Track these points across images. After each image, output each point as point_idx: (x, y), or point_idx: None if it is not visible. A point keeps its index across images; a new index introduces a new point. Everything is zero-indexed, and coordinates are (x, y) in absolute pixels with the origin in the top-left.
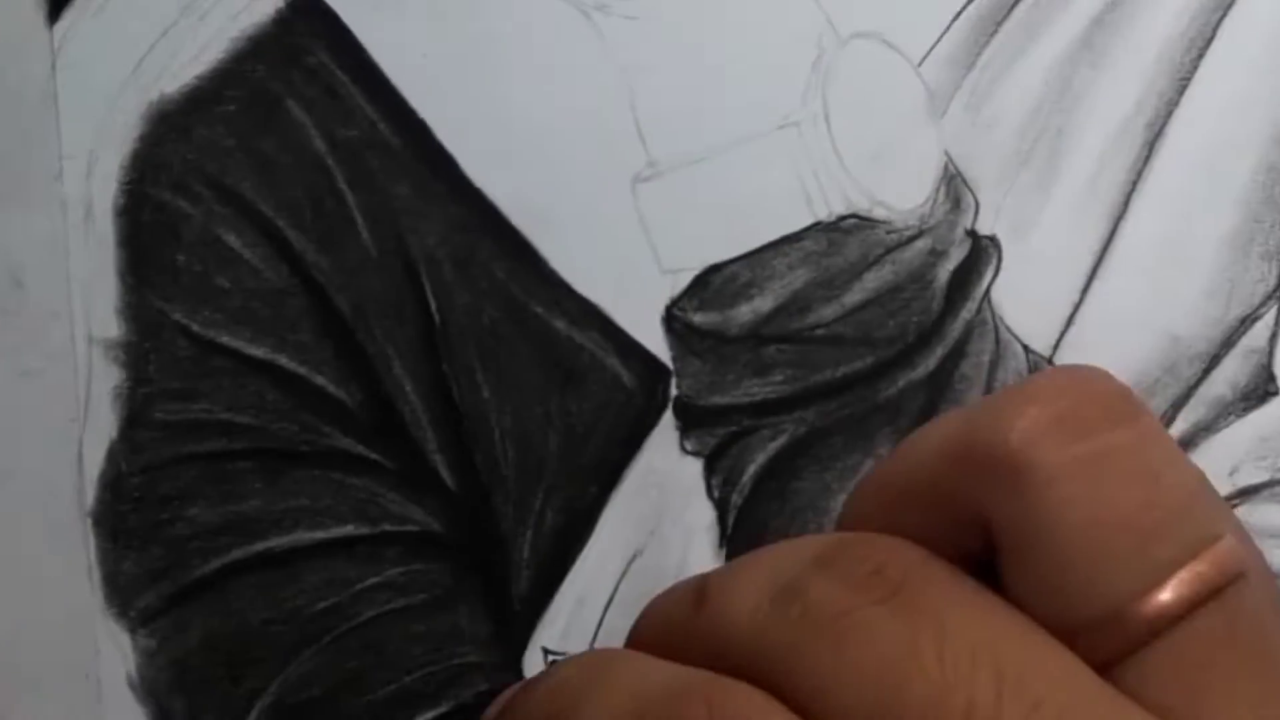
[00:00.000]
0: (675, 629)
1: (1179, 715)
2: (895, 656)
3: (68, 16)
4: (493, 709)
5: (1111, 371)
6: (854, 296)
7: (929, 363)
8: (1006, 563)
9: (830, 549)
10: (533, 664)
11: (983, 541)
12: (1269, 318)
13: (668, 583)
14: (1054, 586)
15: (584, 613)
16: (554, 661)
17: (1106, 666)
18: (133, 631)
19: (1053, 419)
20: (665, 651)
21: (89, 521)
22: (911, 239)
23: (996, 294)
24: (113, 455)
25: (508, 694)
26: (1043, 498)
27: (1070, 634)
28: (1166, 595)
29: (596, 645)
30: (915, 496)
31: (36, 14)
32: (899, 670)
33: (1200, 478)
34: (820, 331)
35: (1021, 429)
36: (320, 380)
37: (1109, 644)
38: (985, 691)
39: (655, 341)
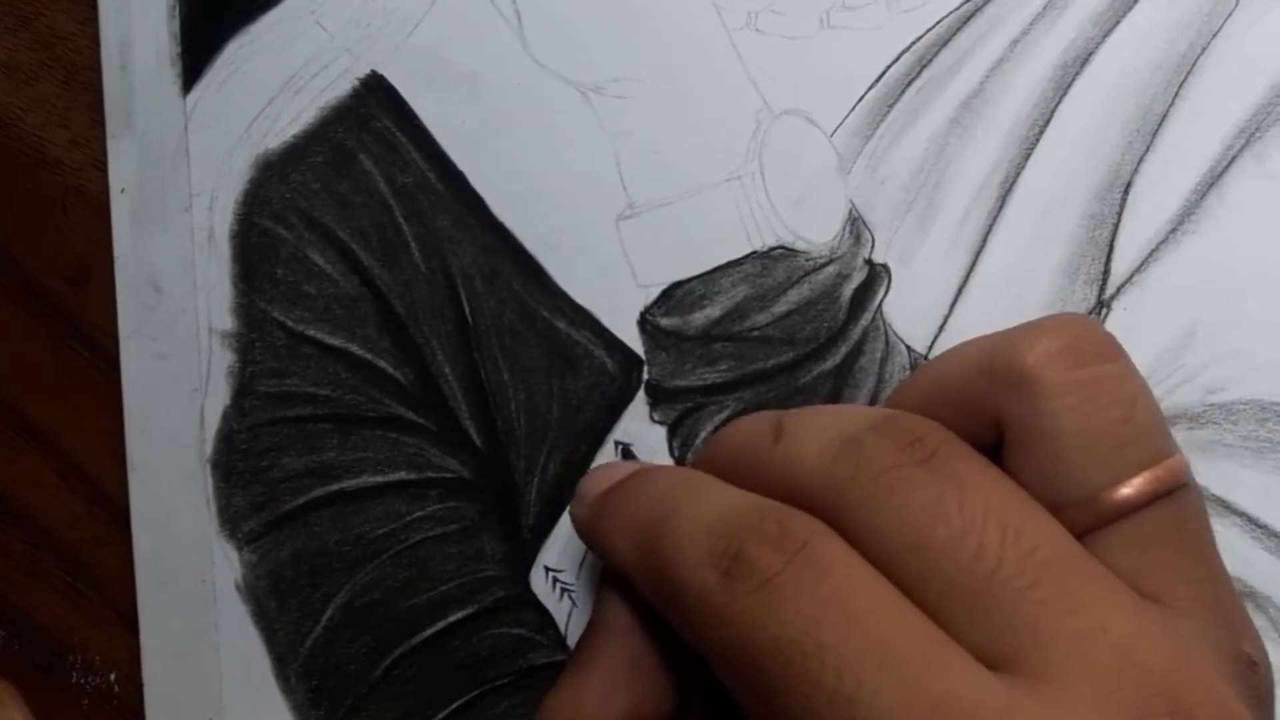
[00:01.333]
0: (751, 459)
1: (1131, 579)
2: (927, 506)
3: (197, 89)
4: (590, 487)
5: None
6: (780, 307)
7: (835, 358)
8: (1011, 453)
9: (884, 418)
10: (539, 579)
11: (994, 436)
12: None
13: None
14: (1048, 472)
15: (576, 540)
16: (642, 467)
17: (1079, 537)
18: (239, 549)
19: (1060, 348)
20: (740, 472)
21: (208, 466)
22: (824, 265)
23: (887, 307)
24: (226, 417)
25: (599, 481)
26: (1047, 405)
27: (1056, 509)
28: (1130, 488)
29: (583, 570)
30: (946, 397)
31: (174, 87)
32: (929, 516)
33: (1159, 410)
34: (755, 333)
35: (1036, 353)
36: (382, 364)
37: (1084, 519)
38: (992, 538)
39: (632, 339)
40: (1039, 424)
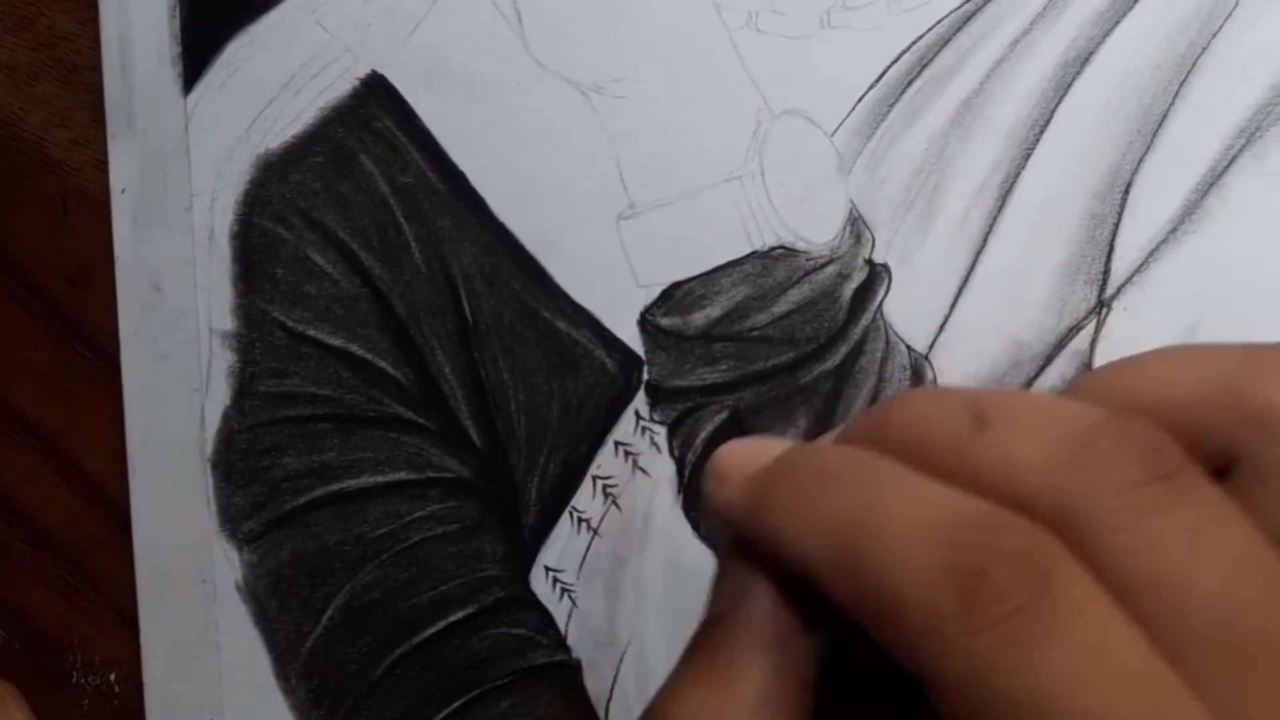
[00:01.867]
0: (946, 448)
1: None
2: (1186, 539)
3: (198, 90)
4: (734, 463)
5: (970, 367)
6: (781, 307)
7: (836, 358)
8: (1248, 493)
9: (1116, 420)
10: (538, 579)
11: (1213, 467)
12: (1090, 328)
13: (640, 521)
14: None
15: (576, 540)
16: (801, 446)
17: None
18: (240, 549)
19: None
20: (930, 462)
21: (209, 466)
22: (824, 265)
23: (887, 307)
24: (226, 417)
25: (745, 457)
26: None
27: None
28: None
29: (583, 570)
30: (1166, 410)
31: (174, 88)
32: (1189, 552)
33: None
34: (755, 333)
35: None
36: (382, 364)
37: None
38: (1255, 590)
39: (632, 338)
40: None
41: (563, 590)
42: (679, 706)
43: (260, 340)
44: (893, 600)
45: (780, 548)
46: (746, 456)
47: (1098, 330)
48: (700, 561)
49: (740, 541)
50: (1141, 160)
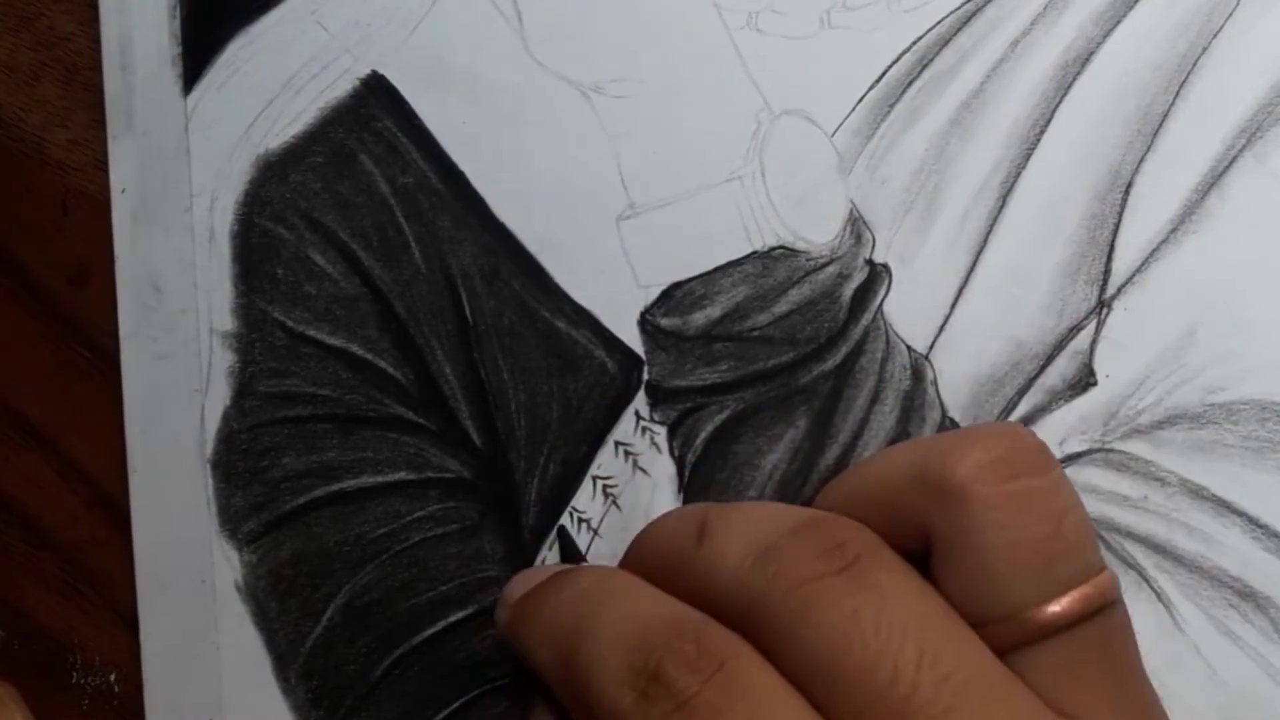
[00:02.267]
0: (674, 560)
1: (1055, 701)
2: (842, 624)
3: (198, 90)
4: (514, 590)
5: (971, 367)
6: (781, 307)
7: (836, 358)
8: (938, 564)
9: (806, 521)
10: None
11: (921, 545)
12: (1090, 328)
13: (640, 520)
14: (974, 586)
15: (576, 540)
16: (564, 569)
17: (1002, 654)
18: (239, 549)
19: (991, 460)
20: (663, 577)
21: (208, 466)
22: (824, 265)
23: (887, 307)
24: (226, 417)
25: (522, 584)
26: (976, 519)
27: (981, 624)
28: (1059, 606)
29: (586, 564)
30: (876, 501)
31: (174, 88)
32: (844, 635)
33: (1090, 524)
34: (755, 333)
35: (966, 465)
36: (382, 364)
37: (1009, 636)
38: (909, 660)
39: (632, 339)
40: (967, 537)
41: None
42: None
43: (260, 340)
44: (589, 698)
45: (526, 654)
46: (527, 580)
47: (1098, 330)
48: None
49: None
50: (1142, 160)
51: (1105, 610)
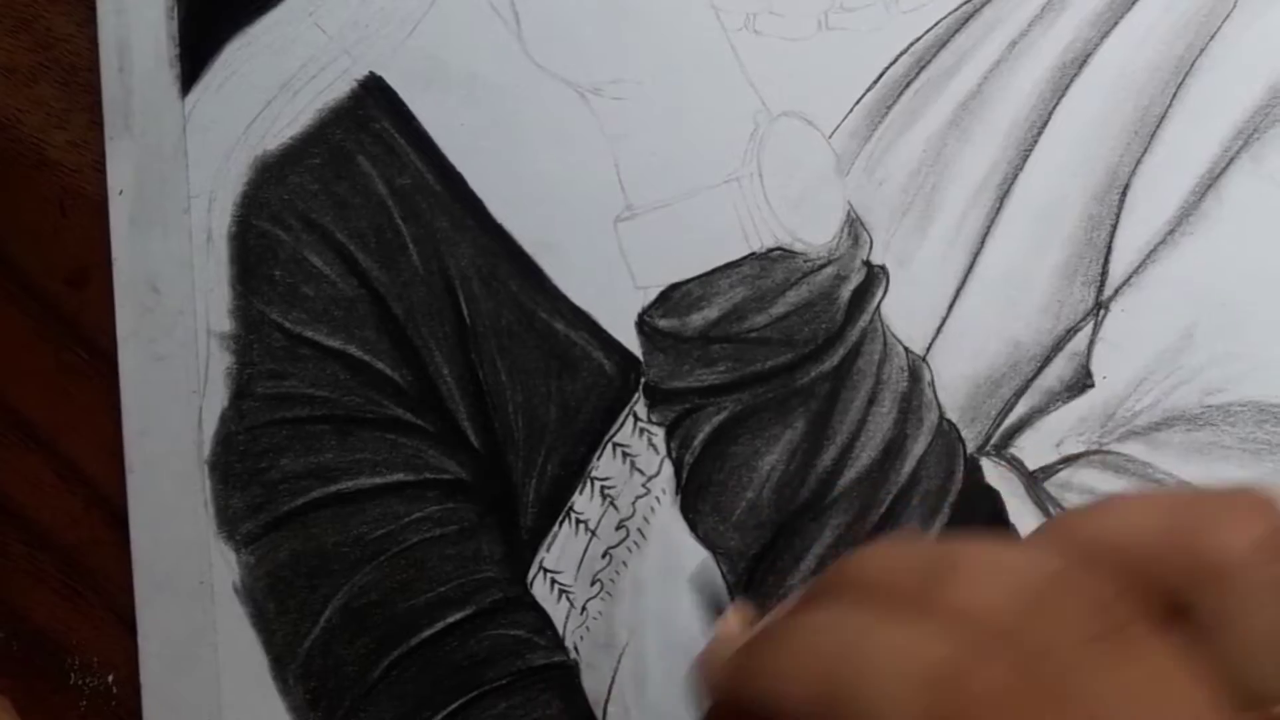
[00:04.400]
0: (916, 593)
1: None
2: (1131, 696)
3: (195, 92)
4: (716, 653)
5: (968, 368)
6: (779, 309)
7: (834, 359)
8: (1197, 639)
9: (1072, 569)
10: (537, 580)
11: (1163, 613)
12: (1087, 330)
13: (638, 521)
14: (1232, 669)
15: (574, 541)
16: (773, 622)
17: None
18: (238, 550)
19: (1259, 538)
20: (899, 613)
21: (206, 468)
22: (822, 266)
23: (885, 309)
24: (224, 419)
25: (724, 645)
26: (1247, 601)
27: (1237, 704)
28: None
29: (580, 571)
30: (1121, 557)
31: (172, 89)
32: (1130, 713)
33: None
34: (753, 334)
35: (1234, 542)
36: (380, 365)
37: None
38: None
39: (630, 340)
40: (1232, 618)
41: (560, 591)
42: None
43: (258, 342)
44: None
45: (769, 708)
46: (724, 642)
47: (1095, 331)
48: (698, 562)
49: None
50: (1139, 162)
51: None
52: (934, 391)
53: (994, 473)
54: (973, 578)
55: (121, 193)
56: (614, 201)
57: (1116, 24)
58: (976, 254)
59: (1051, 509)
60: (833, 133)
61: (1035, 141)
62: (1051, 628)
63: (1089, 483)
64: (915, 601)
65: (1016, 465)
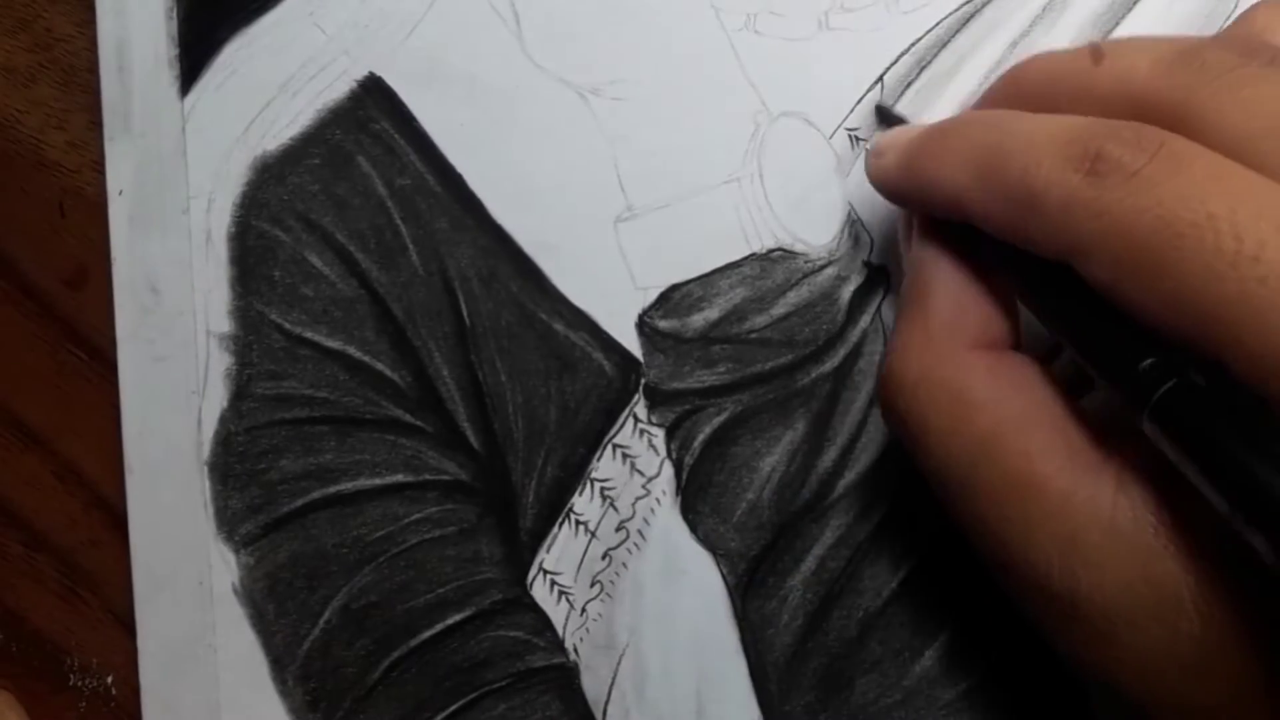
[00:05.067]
0: (1069, 84)
1: None
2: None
3: (195, 92)
4: (890, 141)
5: None
6: (779, 309)
7: (834, 360)
8: None
9: (1223, 32)
10: (536, 582)
11: None
12: None
13: (638, 523)
14: None
15: (574, 543)
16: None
17: None
18: (236, 551)
19: None
20: (1055, 101)
21: (205, 469)
22: (823, 267)
23: (886, 309)
24: (224, 420)
25: (894, 138)
26: None
27: None
28: None
29: (580, 572)
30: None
31: (171, 89)
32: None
33: None
34: (754, 335)
35: None
36: (380, 366)
37: None
38: None
39: (630, 341)
40: None
41: (560, 593)
42: (898, 335)
43: (257, 342)
44: (1029, 193)
45: (932, 187)
46: (899, 135)
47: None
48: (698, 564)
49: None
50: None
51: None
52: None
53: None
54: (1125, 54)
55: (121, 193)
56: (614, 202)
57: (1118, 24)
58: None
59: None
60: (833, 133)
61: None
62: (1195, 72)
63: None
64: (1072, 85)
65: None
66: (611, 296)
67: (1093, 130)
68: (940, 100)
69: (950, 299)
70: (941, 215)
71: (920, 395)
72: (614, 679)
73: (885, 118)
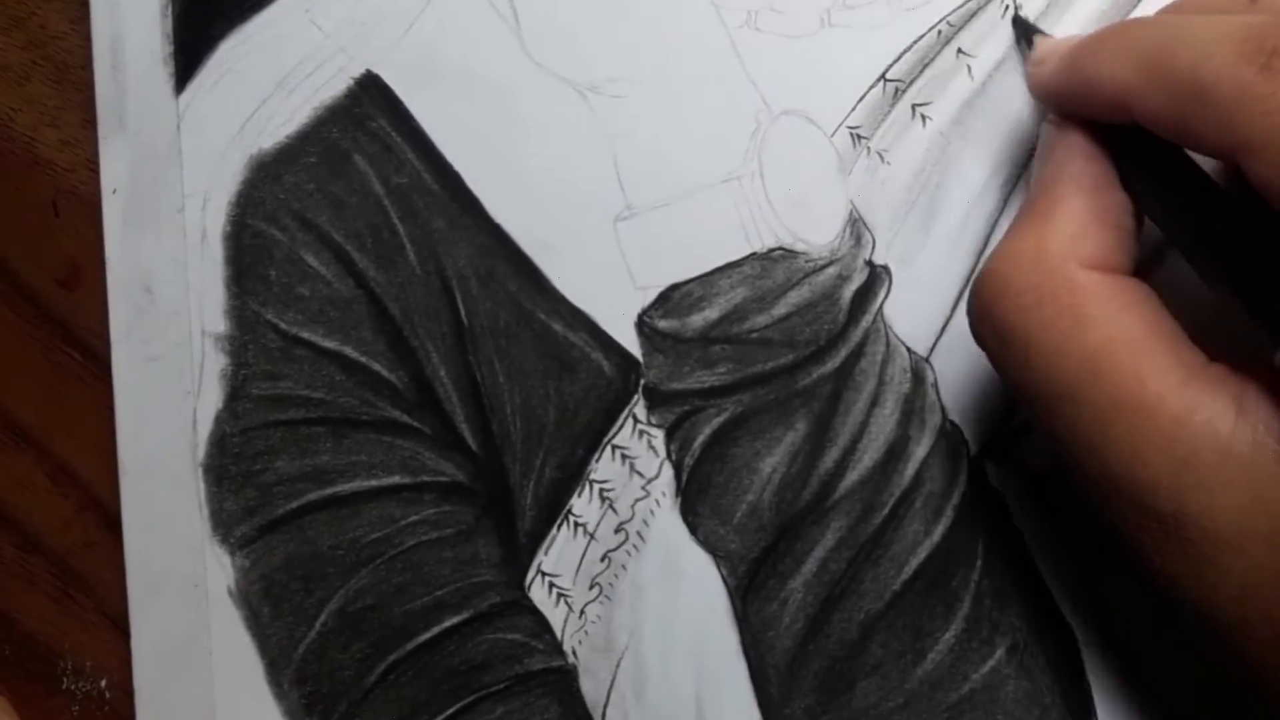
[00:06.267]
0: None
1: None
2: None
3: (190, 89)
4: (1051, 47)
5: (972, 369)
6: (780, 309)
7: (836, 360)
8: None
9: None
10: (535, 584)
11: None
12: None
13: (637, 524)
14: None
15: (572, 545)
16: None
17: None
18: (232, 553)
19: None
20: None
21: (200, 470)
22: (824, 266)
23: (887, 309)
24: (219, 421)
25: (1055, 44)
26: None
27: None
28: None
29: (579, 574)
30: None
31: (166, 88)
32: None
33: None
34: (754, 335)
35: None
36: (376, 366)
37: None
38: None
39: (630, 341)
40: None
41: (559, 595)
42: (1010, 243)
43: (253, 343)
44: (1200, 87)
45: (1097, 85)
46: (1059, 41)
47: None
48: (698, 566)
49: (1057, 114)
50: None
51: None
52: (937, 393)
53: (998, 475)
54: None
55: (115, 192)
56: (613, 200)
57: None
58: (980, 254)
59: (1057, 512)
60: (835, 131)
61: (1038, 140)
62: None
63: None
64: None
65: (1021, 468)
66: (611, 296)
67: (1268, 28)
68: (944, 98)
69: (1075, 219)
70: (1104, 117)
71: (1028, 306)
72: (613, 682)
73: (1024, 29)
